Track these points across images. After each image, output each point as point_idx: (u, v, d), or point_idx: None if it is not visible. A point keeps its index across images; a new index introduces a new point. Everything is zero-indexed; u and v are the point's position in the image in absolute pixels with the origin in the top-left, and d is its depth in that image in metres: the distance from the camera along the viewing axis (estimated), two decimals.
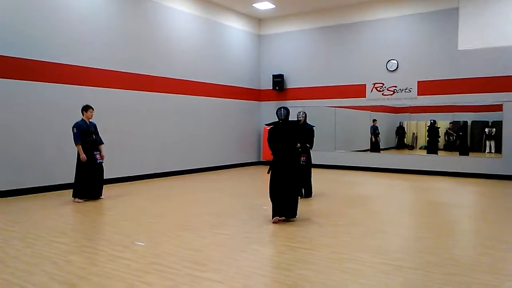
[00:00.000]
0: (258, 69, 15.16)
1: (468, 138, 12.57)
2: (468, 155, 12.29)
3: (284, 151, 6.12)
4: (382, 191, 9.51)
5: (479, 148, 12.54)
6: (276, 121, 6.28)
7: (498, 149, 11.62)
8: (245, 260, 4.42)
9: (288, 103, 14.20)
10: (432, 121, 13.08)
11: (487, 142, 12.26)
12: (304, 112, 8.32)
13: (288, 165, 6.11)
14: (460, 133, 12.59)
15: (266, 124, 7.04)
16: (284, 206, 6.06)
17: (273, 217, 6.07)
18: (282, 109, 6.21)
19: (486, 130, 12.18)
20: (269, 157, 6.37)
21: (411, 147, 13.77)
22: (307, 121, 8.31)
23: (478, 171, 11.56)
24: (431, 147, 13.08)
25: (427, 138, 13.25)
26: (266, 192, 6.34)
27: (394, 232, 5.69)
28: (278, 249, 4.86)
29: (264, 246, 5.10)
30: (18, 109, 8.22)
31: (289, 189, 6.10)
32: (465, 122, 12.52)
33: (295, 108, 10.64)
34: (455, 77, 11.75)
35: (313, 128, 8.27)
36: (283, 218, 6.10)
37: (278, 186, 6.08)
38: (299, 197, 7.76)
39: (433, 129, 13.08)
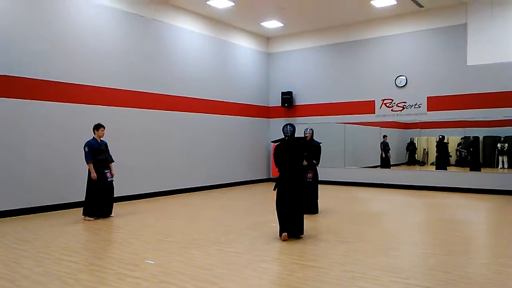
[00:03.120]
0: (267, 87, 15.25)
1: (480, 153, 12.42)
2: (479, 170, 12.13)
3: (290, 167, 6.11)
4: (392, 207, 9.40)
5: (491, 163, 12.39)
6: (282, 138, 6.30)
7: (511, 165, 11.47)
8: (255, 279, 4.38)
9: (297, 120, 14.23)
10: (440, 136, 12.97)
11: (500, 158, 12.12)
12: (311, 129, 8.34)
13: (294, 182, 6.09)
14: (471, 149, 12.46)
15: (272, 141, 7.05)
16: (291, 222, 6.03)
17: (281, 234, 6.03)
18: (288, 125, 6.24)
19: (498, 145, 12.05)
20: (278, 174, 6.35)
21: (422, 163, 13.65)
22: (314, 137, 8.31)
23: (490, 187, 11.37)
24: (440, 163, 12.94)
25: (436, 154, 13.12)
26: (275, 209, 6.30)
27: (405, 250, 5.61)
28: (289, 267, 4.80)
29: (274, 264, 5.05)
30: (28, 128, 8.33)
31: (295, 206, 6.07)
32: (476, 138, 12.40)
33: (305, 125, 10.64)
34: (464, 93, 11.69)
35: (320, 144, 8.26)
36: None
37: (284, 203, 6.06)
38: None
39: (441, 145, 12.96)
